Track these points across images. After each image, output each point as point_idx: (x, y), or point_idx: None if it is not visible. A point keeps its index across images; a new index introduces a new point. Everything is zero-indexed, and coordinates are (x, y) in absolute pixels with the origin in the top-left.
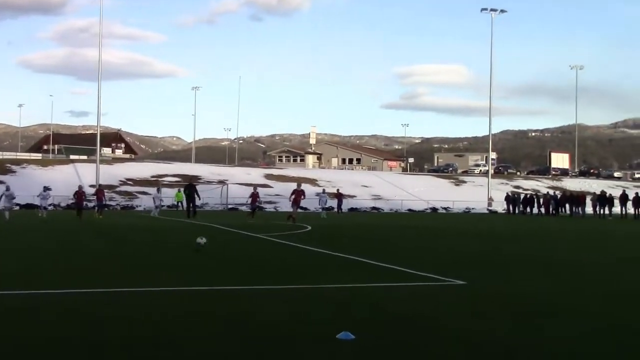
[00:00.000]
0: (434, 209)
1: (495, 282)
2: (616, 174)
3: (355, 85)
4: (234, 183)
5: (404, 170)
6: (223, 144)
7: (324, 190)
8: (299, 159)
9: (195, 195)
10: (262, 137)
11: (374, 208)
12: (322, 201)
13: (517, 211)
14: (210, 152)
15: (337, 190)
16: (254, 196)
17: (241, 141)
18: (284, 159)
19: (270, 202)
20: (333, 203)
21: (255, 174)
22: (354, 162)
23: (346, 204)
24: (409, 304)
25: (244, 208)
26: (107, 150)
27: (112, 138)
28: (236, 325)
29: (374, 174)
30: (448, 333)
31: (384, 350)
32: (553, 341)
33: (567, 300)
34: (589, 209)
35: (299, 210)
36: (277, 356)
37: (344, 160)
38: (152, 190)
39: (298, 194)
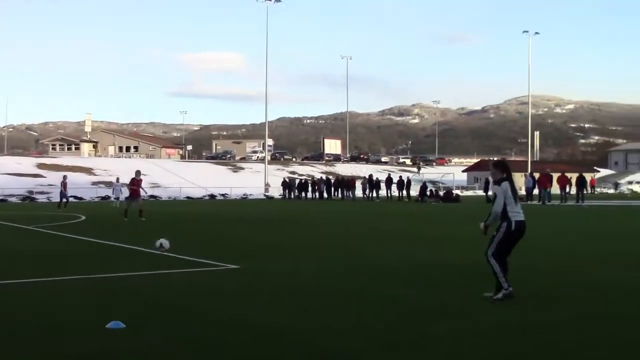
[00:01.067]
0: (212, 196)
1: (268, 266)
2: (383, 159)
3: (133, 72)
4: (3, 173)
5: (183, 157)
6: None
7: (117, 179)
8: (73, 147)
9: None
10: (34, 124)
11: (152, 196)
12: (116, 191)
13: (292, 196)
14: None
15: (117, 179)
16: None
17: (11, 129)
18: (57, 147)
19: (42, 193)
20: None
21: (26, 164)
22: (132, 150)
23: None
24: (182, 291)
25: (14, 200)
26: None
27: None
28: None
29: (152, 161)
30: (223, 318)
31: (156, 339)
32: (321, 319)
33: (331, 279)
34: (359, 193)
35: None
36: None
37: (121, 149)
38: None
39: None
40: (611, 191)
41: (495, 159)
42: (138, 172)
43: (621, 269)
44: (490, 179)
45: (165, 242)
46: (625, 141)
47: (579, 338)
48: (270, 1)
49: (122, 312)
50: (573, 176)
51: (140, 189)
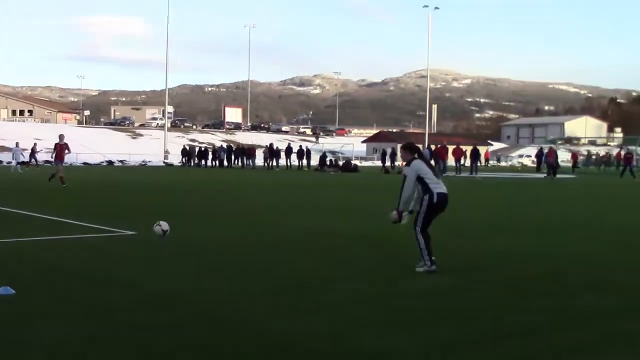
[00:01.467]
0: (110, 162)
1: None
2: (284, 128)
3: (28, 34)
4: None
5: (80, 122)
6: None
7: (17, 144)
8: None
9: None
10: None
11: (47, 161)
12: (16, 155)
13: (192, 164)
14: None
15: (16, 143)
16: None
17: None
18: None
19: None
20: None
21: None
22: (26, 113)
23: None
24: (80, 256)
25: None
26: None
27: None
28: None
29: (47, 126)
30: (117, 281)
31: (44, 304)
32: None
33: (221, 241)
34: (260, 161)
35: None
36: None
37: (14, 112)
38: None
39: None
40: (503, 164)
41: (394, 130)
42: (62, 136)
43: (510, 236)
44: (388, 151)
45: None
46: (517, 116)
47: (460, 300)
48: None
49: (13, 277)
50: (468, 149)
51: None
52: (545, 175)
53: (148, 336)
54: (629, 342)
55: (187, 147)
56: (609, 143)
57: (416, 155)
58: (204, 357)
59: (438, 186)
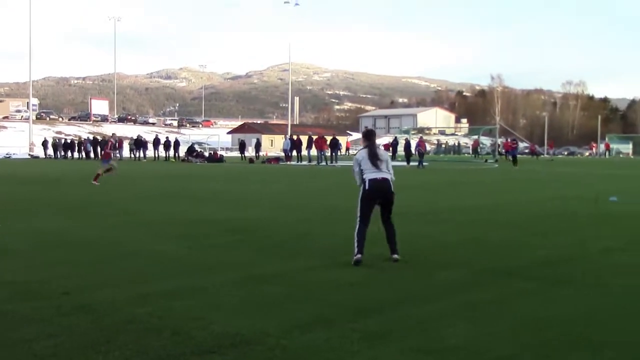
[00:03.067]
0: None
1: (30, 224)
2: (151, 120)
3: None
4: None
5: None
6: None
7: None
8: None
9: None
10: None
11: None
12: None
13: (59, 156)
14: None
15: None
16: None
17: None
18: None
19: None
20: None
21: None
22: None
23: None
24: None
25: None
26: None
27: None
28: None
29: None
30: None
31: None
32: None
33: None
34: (127, 153)
35: None
36: None
37: None
38: None
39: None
40: None
41: (258, 121)
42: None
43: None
44: (253, 141)
45: None
46: (374, 108)
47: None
48: None
49: None
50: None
51: None
52: (418, 164)
53: None
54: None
55: (54, 140)
56: (456, 132)
57: (368, 143)
58: None
59: (371, 173)
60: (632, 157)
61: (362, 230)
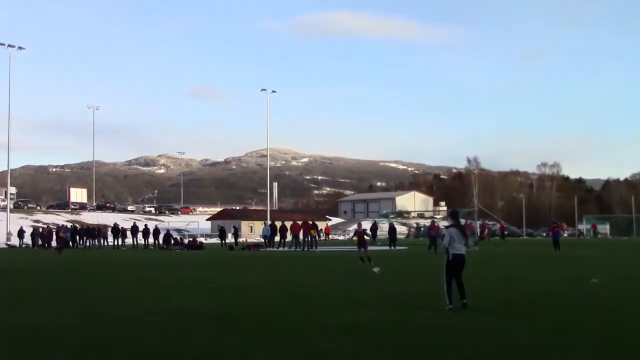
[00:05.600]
0: None
1: None
2: (130, 208)
3: None
4: None
5: None
6: None
7: None
8: None
9: None
10: None
11: None
12: None
13: (37, 245)
14: None
15: None
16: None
17: None
18: None
19: None
20: None
21: None
22: None
23: None
24: None
25: None
26: None
27: None
28: None
29: None
30: None
31: None
32: None
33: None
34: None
35: None
36: None
37: None
38: None
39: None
40: (341, 237)
41: (237, 207)
42: None
43: (350, 309)
44: (232, 228)
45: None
46: (352, 192)
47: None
48: (13, 48)
49: None
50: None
51: None
52: (429, 246)
53: None
54: None
55: (36, 229)
56: (435, 216)
57: (454, 222)
58: None
59: (455, 249)
60: (609, 237)
61: (450, 287)
